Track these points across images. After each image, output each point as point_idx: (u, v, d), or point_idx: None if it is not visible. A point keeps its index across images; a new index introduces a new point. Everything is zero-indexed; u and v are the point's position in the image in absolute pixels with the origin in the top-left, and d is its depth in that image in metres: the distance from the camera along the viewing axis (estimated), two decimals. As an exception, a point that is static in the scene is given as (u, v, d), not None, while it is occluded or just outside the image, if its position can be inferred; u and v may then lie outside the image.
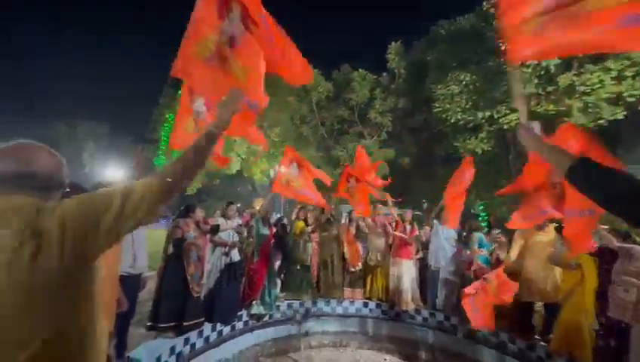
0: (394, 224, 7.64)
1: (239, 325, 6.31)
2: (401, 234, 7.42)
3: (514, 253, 5.83)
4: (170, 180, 1.59)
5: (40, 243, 1.35)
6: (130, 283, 4.47)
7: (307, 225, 7.63)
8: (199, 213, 5.86)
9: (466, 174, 6.20)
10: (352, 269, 7.57)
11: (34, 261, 1.32)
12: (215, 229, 6.11)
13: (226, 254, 6.16)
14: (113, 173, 29.60)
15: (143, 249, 4.79)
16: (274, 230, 7.30)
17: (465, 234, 7.35)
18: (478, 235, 6.86)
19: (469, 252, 6.88)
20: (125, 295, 4.05)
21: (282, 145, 18.25)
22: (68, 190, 1.63)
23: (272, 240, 7.06)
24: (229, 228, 6.30)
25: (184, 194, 21.67)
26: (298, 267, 7.36)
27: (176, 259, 5.34)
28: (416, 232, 7.53)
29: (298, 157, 6.47)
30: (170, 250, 5.40)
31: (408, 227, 7.50)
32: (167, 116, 19.67)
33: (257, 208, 7.24)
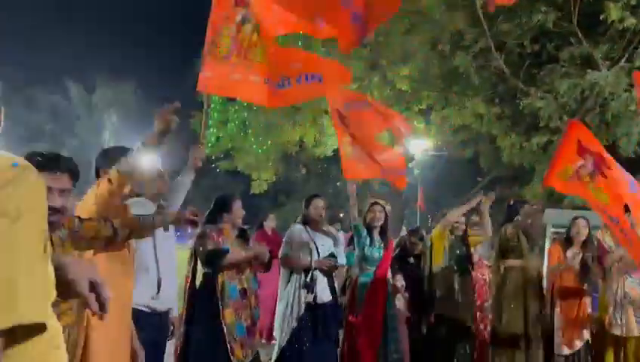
0: None
1: None
2: None
3: None
4: None
5: None
6: (153, 325, 2.73)
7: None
8: (240, 210, 3.40)
9: None
10: (565, 352, 4.11)
11: None
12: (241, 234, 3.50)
13: (308, 287, 3.61)
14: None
15: (171, 270, 2.93)
16: (393, 247, 4.29)
17: None
18: None
19: None
20: (144, 344, 2.39)
21: (419, 96, 10.81)
22: None
23: (389, 270, 4.08)
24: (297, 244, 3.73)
25: (247, 192, 14.03)
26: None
27: (206, 297, 3.23)
28: None
29: None
30: (198, 279, 3.34)
31: None
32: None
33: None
